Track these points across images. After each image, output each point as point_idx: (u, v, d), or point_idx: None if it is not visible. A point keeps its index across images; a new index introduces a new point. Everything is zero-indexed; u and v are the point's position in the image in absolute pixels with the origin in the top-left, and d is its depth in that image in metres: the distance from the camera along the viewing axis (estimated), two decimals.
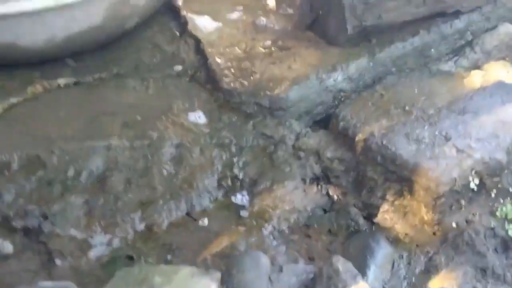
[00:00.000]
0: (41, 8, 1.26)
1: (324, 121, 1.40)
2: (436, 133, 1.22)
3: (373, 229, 1.19)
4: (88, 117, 1.33)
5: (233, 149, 1.29)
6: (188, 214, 1.21)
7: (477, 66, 1.60)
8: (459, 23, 1.59)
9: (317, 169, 1.26)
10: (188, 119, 1.31)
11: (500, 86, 1.40)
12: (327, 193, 1.25)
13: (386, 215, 1.19)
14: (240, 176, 1.25)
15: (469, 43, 1.62)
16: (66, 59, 1.49)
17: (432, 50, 1.55)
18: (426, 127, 1.24)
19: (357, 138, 1.24)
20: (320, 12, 1.50)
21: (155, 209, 1.19)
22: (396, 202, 1.19)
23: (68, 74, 1.46)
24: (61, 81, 1.44)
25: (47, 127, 1.31)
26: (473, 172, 1.15)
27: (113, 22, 1.43)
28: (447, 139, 1.21)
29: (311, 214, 1.21)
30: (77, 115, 1.34)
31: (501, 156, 1.18)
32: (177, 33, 1.62)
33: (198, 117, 1.31)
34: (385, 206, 1.19)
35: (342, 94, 1.41)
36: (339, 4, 1.41)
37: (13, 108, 1.36)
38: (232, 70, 1.42)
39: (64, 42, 1.39)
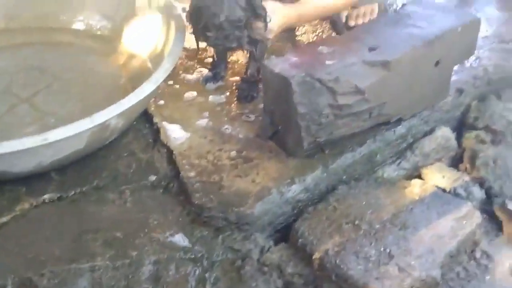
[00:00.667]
0: (33, 146, 1.40)
1: (284, 230, 1.59)
2: (381, 249, 1.42)
3: None
4: (72, 236, 1.47)
5: (205, 263, 1.46)
6: None
7: (417, 168, 1.81)
8: (401, 129, 1.81)
9: (280, 284, 1.43)
10: (171, 240, 1.46)
11: (436, 197, 1.61)
12: None
13: None
14: None
15: (410, 147, 1.83)
16: (51, 172, 1.64)
17: (378, 156, 1.76)
18: (372, 244, 1.44)
19: (314, 256, 1.42)
20: (279, 127, 1.68)
21: None
22: None
23: (53, 190, 1.60)
24: (46, 197, 1.58)
25: (36, 248, 1.44)
26: None
27: (95, 144, 1.59)
28: (390, 257, 1.40)
29: None
30: (63, 233, 1.49)
31: (436, 273, 1.38)
32: (151, 141, 1.79)
33: (182, 239, 1.47)
34: None
35: (300, 204, 1.60)
36: (296, 124, 1.60)
37: (3, 227, 1.50)
38: (203, 185, 1.59)
39: (51, 164, 1.54)
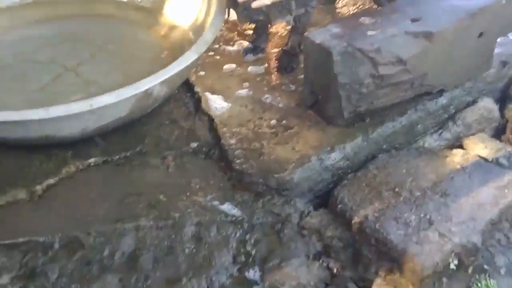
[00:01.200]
0: (79, 111, 1.44)
1: (324, 196, 1.60)
2: (421, 216, 1.42)
3: None
4: (117, 198, 1.51)
5: (246, 226, 1.48)
6: None
7: (459, 139, 1.80)
8: (443, 100, 1.79)
9: (319, 246, 1.45)
10: (212, 204, 1.49)
11: (478, 166, 1.60)
12: (328, 267, 1.44)
13: None
14: (253, 253, 1.44)
15: (452, 117, 1.82)
16: (95, 137, 1.68)
17: (419, 125, 1.75)
18: (412, 210, 1.44)
19: (353, 221, 1.43)
20: (320, 96, 1.69)
21: (179, 287, 1.38)
22: (388, 277, 1.38)
23: (98, 154, 1.64)
24: (92, 161, 1.63)
25: (83, 208, 1.49)
26: (453, 254, 1.34)
27: (138, 111, 1.62)
28: (430, 223, 1.40)
29: None
30: (108, 196, 1.53)
31: (477, 239, 1.37)
32: (192, 110, 1.81)
33: (223, 203, 1.49)
34: (378, 281, 1.38)
35: (339, 171, 1.61)
36: (337, 94, 1.61)
37: (51, 188, 1.55)
38: (243, 152, 1.61)
39: (95, 130, 1.58)
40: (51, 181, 1.57)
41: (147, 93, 1.55)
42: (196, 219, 1.47)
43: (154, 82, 1.52)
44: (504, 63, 1.96)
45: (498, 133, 1.87)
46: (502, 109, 1.92)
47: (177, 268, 1.40)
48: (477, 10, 1.71)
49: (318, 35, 1.63)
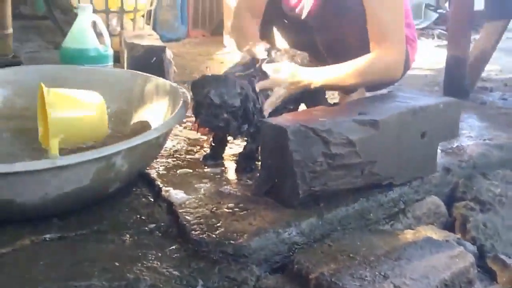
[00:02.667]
0: (42, 168, 1.48)
1: (280, 268, 1.60)
2: (376, 272, 1.43)
3: None
4: (71, 263, 1.49)
5: None
6: None
7: (410, 229, 1.86)
8: (393, 194, 1.89)
9: None
10: (168, 270, 1.47)
11: (429, 240, 1.65)
12: None
13: None
14: None
15: (402, 210, 1.90)
16: (53, 218, 1.68)
17: (371, 214, 1.82)
18: (367, 269, 1.45)
19: (310, 276, 1.43)
20: (276, 180, 1.77)
21: None
22: None
23: (54, 231, 1.63)
24: (47, 236, 1.62)
25: (34, 272, 1.45)
26: None
27: (99, 184, 1.66)
28: (386, 277, 1.41)
29: None
30: (61, 262, 1.50)
31: None
32: (152, 200, 1.86)
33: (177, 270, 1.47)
34: None
35: (296, 246, 1.63)
36: (292, 172, 1.69)
37: (3, 256, 1.52)
38: (201, 226, 1.63)
39: (55, 201, 1.59)
40: (4, 250, 1.54)
41: (109, 163, 1.60)
42: (151, 281, 1.45)
43: (117, 149, 1.59)
44: (447, 170, 2.11)
45: (447, 229, 1.94)
46: (449, 208, 2.01)
47: None
48: (418, 108, 1.90)
49: (274, 119, 1.76)
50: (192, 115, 1.96)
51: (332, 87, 2.26)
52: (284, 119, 1.78)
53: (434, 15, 6.29)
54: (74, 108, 1.99)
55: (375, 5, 2.13)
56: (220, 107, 1.84)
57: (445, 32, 5.75)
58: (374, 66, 2.10)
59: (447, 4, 6.51)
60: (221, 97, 1.83)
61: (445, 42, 5.19)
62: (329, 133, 1.71)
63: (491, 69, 3.97)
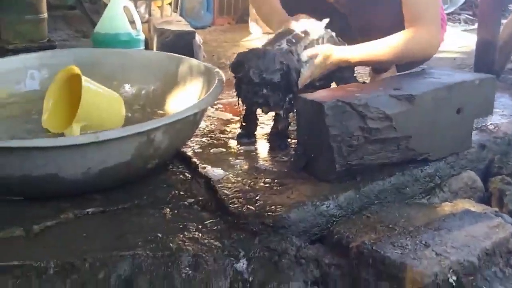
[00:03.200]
0: (85, 142, 1.51)
1: (319, 240, 1.61)
2: (417, 241, 1.44)
3: None
4: (115, 235, 1.53)
5: (243, 259, 1.48)
6: None
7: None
8: (428, 169, 1.89)
9: (317, 274, 1.44)
10: (209, 241, 1.50)
11: (467, 212, 1.65)
12: None
13: None
14: (250, 279, 1.42)
15: (439, 185, 1.90)
16: (94, 194, 1.72)
17: (408, 188, 1.82)
18: (408, 239, 1.46)
19: (350, 245, 1.45)
20: (312, 155, 1.78)
21: None
22: None
23: (96, 205, 1.67)
24: (90, 210, 1.65)
25: (79, 243, 1.49)
26: (451, 271, 1.35)
27: (139, 159, 1.69)
28: (427, 246, 1.42)
29: None
30: (104, 233, 1.54)
31: (474, 259, 1.39)
32: (189, 176, 1.88)
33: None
34: None
35: (334, 218, 1.64)
36: (329, 146, 1.70)
37: (47, 229, 1.56)
38: (239, 199, 1.66)
39: (98, 176, 1.62)
40: (48, 223, 1.58)
41: (149, 138, 1.63)
42: (193, 251, 1.47)
43: (157, 124, 1.61)
44: (483, 146, 2.10)
45: (484, 203, 1.93)
46: (485, 183, 2.01)
47: None
48: (453, 84, 1.89)
49: (310, 95, 1.77)
50: (231, 93, 1.97)
51: (367, 63, 2.25)
52: (320, 95, 1.79)
53: (461, 0, 6.20)
54: (100, 100, 2.02)
55: None
56: (259, 85, 1.86)
57: (471, 17, 5.68)
58: (410, 43, 2.10)
59: None
60: (260, 74, 1.85)
61: (472, 27, 5.14)
62: (365, 108, 1.71)
63: None
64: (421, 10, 2.15)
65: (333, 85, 2.27)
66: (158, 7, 3.99)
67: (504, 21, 3.51)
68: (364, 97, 1.74)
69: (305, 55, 2.04)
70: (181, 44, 3.03)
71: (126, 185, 1.77)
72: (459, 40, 4.45)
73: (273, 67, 1.88)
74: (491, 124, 2.28)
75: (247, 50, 1.96)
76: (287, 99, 1.94)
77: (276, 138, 2.07)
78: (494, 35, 3.18)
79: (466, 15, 5.83)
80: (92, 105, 1.96)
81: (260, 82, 1.87)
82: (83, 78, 1.94)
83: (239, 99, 1.98)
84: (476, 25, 3.31)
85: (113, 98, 2.07)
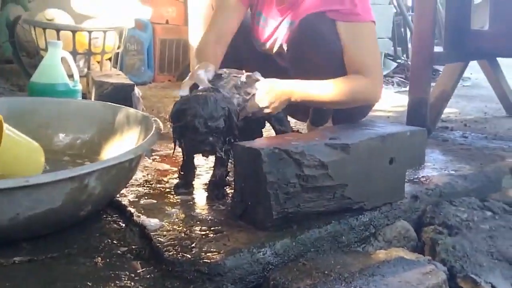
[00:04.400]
0: (13, 186, 1.46)
1: None
2: (352, 287, 1.44)
3: None
4: (43, 285, 1.46)
5: None
6: None
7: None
8: (363, 218, 1.92)
9: None
10: None
11: (401, 259, 1.67)
12: None
13: None
14: None
15: (373, 234, 1.92)
16: (22, 242, 1.65)
17: (343, 237, 1.84)
18: (343, 284, 1.47)
19: None
20: (250, 202, 1.78)
21: None
22: None
23: (23, 254, 1.60)
24: (17, 259, 1.58)
25: None
26: None
27: (71, 206, 1.64)
28: None
29: None
30: (33, 283, 1.47)
31: None
32: (123, 225, 1.84)
33: None
34: None
35: (270, 266, 1.63)
36: (266, 194, 1.71)
37: None
38: (174, 247, 1.62)
39: (25, 223, 1.56)
40: None
41: (82, 184, 1.59)
42: None
43: (90, 169, 1.58)
44: (416, 197, 2.15)
45: (417, 253, 1.96)
46: (418, 233, 2.05)
47: None
48: (386, 134, 1.95)
49: (247, 143, 1.78)
50: (169, 146, 1.96)
51: (311, 99, 2.24)
52: (257, 143, 1.81)
53: (393, 64, 6.49)
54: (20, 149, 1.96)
55: (351, 37, 2.21)
56: (205, 133, 1.86)
57: (404, 80, 5.93)
58: (354, 86, 2.18)
59: (405, 56, 6.77)
60: (205, 123, 1.85)
61: (404, 89, 5.35)
62: (302, 155, 1.74)
63: (450, 112, 4.11)
64: (364, 61, 2.23)
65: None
66: (98, 62, 3.98)
67: (433, 84, 3.68)
68: (301, 145, 1.77)
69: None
70: (120, 97, 3.00)
71: (57, 232, 1.71)
72: (393, 100, 4.62)
73: (217, 114, 1.89)
74: (423, 176, 2.35)
75: (187, 96, 1.96)
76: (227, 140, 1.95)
77: (214, 187, 2.06)
78: (425, 92, 3.31)
79: (399, 78, 6.09)
80: (9, 153, 1.89)
81: (207, 131, 1.88)
82: (5, 125, 1.89)
83: (180, 147, 1.97)
84: (408, 87, 3.45)
85: (32, 147, 2.01)
